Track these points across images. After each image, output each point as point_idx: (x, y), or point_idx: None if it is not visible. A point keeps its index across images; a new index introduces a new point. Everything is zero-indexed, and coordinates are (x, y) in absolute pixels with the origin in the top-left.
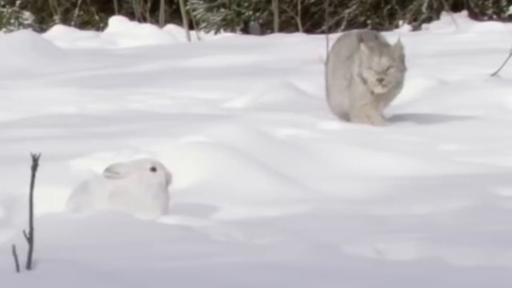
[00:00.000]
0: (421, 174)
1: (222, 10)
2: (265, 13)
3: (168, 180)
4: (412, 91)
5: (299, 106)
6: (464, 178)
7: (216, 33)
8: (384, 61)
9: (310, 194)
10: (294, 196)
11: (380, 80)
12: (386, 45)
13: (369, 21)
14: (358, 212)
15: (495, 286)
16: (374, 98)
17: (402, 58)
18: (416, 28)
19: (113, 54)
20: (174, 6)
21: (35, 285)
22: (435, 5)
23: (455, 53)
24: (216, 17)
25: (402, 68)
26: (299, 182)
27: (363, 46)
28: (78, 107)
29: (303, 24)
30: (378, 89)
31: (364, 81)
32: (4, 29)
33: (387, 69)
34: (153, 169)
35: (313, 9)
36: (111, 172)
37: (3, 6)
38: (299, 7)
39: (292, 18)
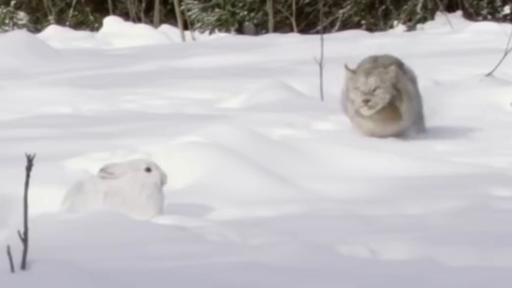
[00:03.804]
0: (415, 174)
1: (217, 10)
2: (260, 13)
3: (162, 180)
4: None
5: (293, 106)
6: (457, 178)
7: (210, 33)
8: (371, 81)
9: (304, 194)
10: (288, 196)
11: (366, 101)
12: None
13: (363, 22)
14: (352, 212)
15: (487, 286)
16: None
17: (392, 81)
18: (410, 28)
19: (108, 54)
20: (168, 6)
21: (29, 285)
22: (429, 5)
23: (450, 53)
24: (211, 17)
25: (390, 91)
26: (294, 182)
27: (345, 71)
28: (73, 107)
29: (297, 24)
30: (364, 111)
31: (351, 102)
32: None
33: (374, 89)
34: (148, 170)
35: (308, 9)
36: (106, 172)
37: None
38: (293, 7)
39: (287, 18)
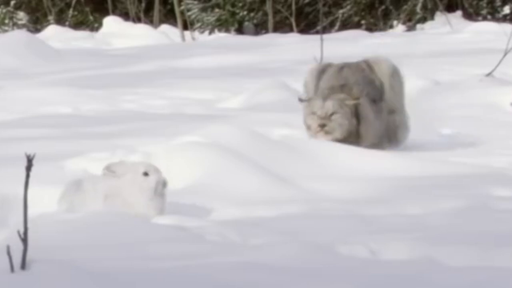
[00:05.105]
0: (414, 174)
1: (217, 10)
2: (260, 14)
3: (157, 187)
4: (406, 91)
5: (293, 106)
6: (457, 178)
7: (210, 33)
8: (329, 105)
9: (304, 194)
10: (288, 196)
11: (322, 126)
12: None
13: (363, 22)
14: (351, 212)
15: (487, 286)
16: None
17: (353, 108)
18: (410, 28)
19: (108, 54)
20: (168, 6)
21: (29, 285)
22: (429, 5)
23: (450, 53)
24: (211, 17)
25: (349, 117)
26: (293, 182)
27: (300, 102)
28: (73, 107)
29: (297, 24)
30: (321, 137)
31: (308, 127)
32: None
33: (331, 114)
34: (146, 174)
35: (308, 9)
36: (109, 170)
37: None
38: (293, 7)
39: (287, 18)
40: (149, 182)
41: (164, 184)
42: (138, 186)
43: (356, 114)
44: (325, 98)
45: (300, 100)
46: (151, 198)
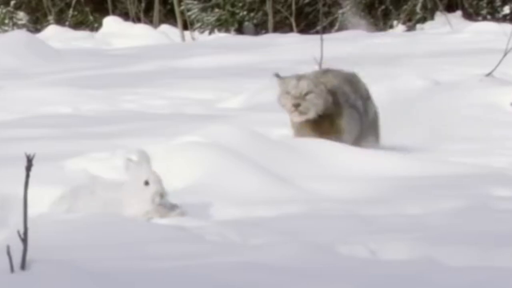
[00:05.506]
0: (414, 174)
1: (217, 10)
2: (260, 14)
3: (155, 197)
4: (406, 91)
5: None
6: (457, 178)
7: (210, 33)
8: (303, 85)
9: (303, 194)
10: (288, 196)
11: (296, 106)
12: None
13: (363, 22)
14: (351, 212)
15: (487, 286)
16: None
17: (331, 89)
18: (410, 28)
19: (108, 54)
20: (168, 6)
21: (29, 285)
22: (429, 5)
23: (450, 53)
24: (211, 17)
25: (324, 96)
26: (293, 182)
27: (276, 80)
28: (73, 107)
29: (297, 24)
30: (295, 117)
31: (283, 106)
32: None
33: (306, 94)
34: (146, 183)
35: (307, 9)
36: (127, 164)
37: None
38: (293, 7)
39: (287, 18)
40: (148, 191)
41: (161, 196)
42: (137, 195)
43: (340, 127)
44: (299, 78)
45: (277, 76)
46: (148, 206)
